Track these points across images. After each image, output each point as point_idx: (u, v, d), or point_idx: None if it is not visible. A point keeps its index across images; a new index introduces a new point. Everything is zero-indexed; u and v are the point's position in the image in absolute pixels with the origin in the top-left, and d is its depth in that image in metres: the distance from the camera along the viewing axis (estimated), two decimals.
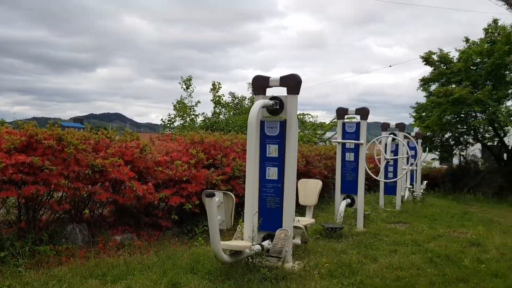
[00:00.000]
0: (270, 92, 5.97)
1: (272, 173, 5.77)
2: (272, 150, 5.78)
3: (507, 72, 18.55)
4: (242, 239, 5.52)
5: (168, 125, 19.53)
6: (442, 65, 20.59)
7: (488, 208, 15.38)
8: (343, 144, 9.42)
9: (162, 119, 19.94)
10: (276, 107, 5.72)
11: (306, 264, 5.66)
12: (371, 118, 10.14)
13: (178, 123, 19.48)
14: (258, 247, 5.34)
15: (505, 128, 19.49)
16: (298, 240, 6.28)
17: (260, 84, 5.96)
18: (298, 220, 6.35)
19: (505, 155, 20.66)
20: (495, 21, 19.48)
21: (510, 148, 20.13)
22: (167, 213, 7.28)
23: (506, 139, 20.24)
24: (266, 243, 5.54)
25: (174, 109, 19.63)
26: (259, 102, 5.58)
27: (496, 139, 20.49)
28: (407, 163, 13.29)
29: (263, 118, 5.83)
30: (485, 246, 7.39)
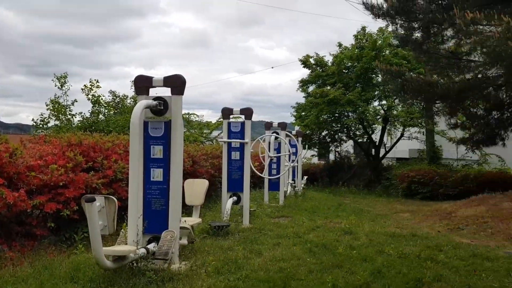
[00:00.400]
0: (154, 92, 5.88)
1: (157, 174, 5.69)
2: (157, 151, 5.70)
3: (374, 75, 20.52)
4: (126, 244, 5.36)
5: (41, 125, 17.97)
6: (319, 68, 22.10)
7: (359, 199, 16.91)
8: (229, 143, 9.62)
9: (33, 119, 18.24)
10: (160, 108, 5.65)
11: (193, 264, 5.69)
12: (256, 117, 10.53)
13: (53, 124, 18.06)
14: (143, 250, 5.24)
15: (373, 126, 21.58)
16: (184, 241, 6.28)
17: (143, 84, 5.84)
18: (185, 221, 6.36)
19: (373, 150, 22.85)
20: (364, 28, 21.49)
21: (377, 144, 22.31)
22: (42, 221, 6.75)
23: (373, 136, 22.40)
24: (151, 246, 5.45)
25: (47, 109, 18.12)
26: (142, 102, 5.47)
27: (366, 136, 22.56)
28: (289, 160, 14.02)
29: (147, 119, 5.72)
30: (357, 234, 8.07)
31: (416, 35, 13.19)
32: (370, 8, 12.28)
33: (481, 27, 9.82)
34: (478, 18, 9.07)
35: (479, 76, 11.79)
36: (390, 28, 16.48)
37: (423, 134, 20.71)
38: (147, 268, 5.07)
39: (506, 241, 8.15)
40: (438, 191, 15.97)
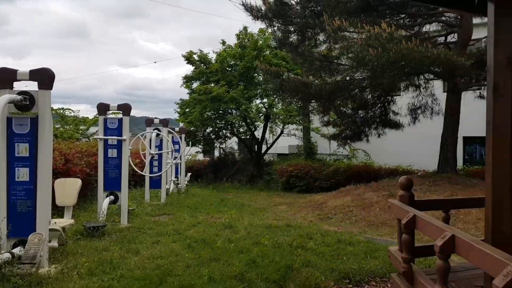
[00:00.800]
0: (23, 85, 5.49)
1: (22, 174, 5.32)
2: (22, 149, 5.32)
3: (256, 74, 21.25)
4: None
5: None
6: (202, 64, 22.22)
7: (242, 194, 17.43)
8: (106, 141, 9.26)
9: None
10: (26, 103, 5.29)
11: (64, 267, 5.43)
12: (139, 113, 10.33)
13: None
14: (7, 255, 4.88)
15: (255, 123, 22.37)
16: (55, 243, 5.96)
17: (5, 77, 5.41)
18: (55, 222, 6.04)
19: (256, 146, 23.68)
20: (245, 28, 22.10)
21: (259, 140, 23.18)
22: None
23: (256, 133, 23.22)
24: (17, 250, 5.10)
25: None
26: (5, 97, 5.08)
27: (249, 133, 23.30)
28: (172, 157, 13.94)
29: (11, 115, 5.32)
30: (236, 228, 8.34)
31: (293, 38, 14.03)
32: (249, 9, 12.78)
33: (348, 33, 10.81)
34: (344, 26, 9.98)
35: (347, 78, 12.95)
36: (269, 30, 17.27)
37: (301, 131, 22.02)
38: (13, 274, 4.77)
39: (366, 227, 9.11)
40: (313, 184, 17.14)
